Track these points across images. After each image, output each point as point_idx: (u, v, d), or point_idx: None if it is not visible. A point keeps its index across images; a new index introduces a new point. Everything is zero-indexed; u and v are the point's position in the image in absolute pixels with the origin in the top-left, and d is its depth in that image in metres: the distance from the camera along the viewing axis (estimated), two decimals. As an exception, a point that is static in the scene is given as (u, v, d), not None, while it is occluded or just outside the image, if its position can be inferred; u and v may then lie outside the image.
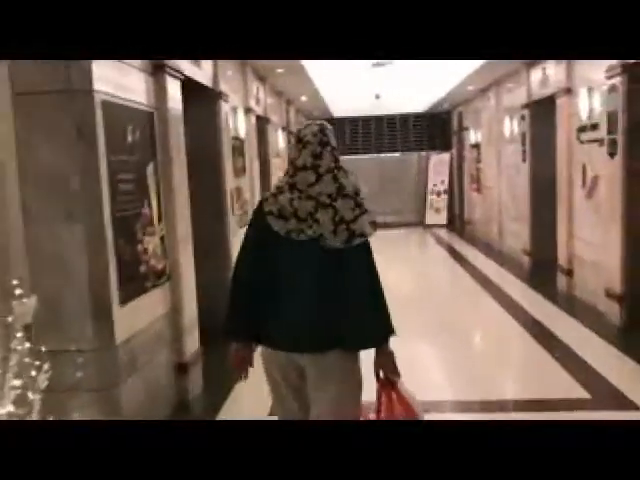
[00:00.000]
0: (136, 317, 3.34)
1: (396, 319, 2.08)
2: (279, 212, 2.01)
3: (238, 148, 6.20)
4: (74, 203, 2.96)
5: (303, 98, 10.81)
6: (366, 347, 2.04)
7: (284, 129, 9.97)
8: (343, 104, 12.98)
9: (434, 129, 15.07)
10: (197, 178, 4.86)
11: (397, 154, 15.36)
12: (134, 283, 3.34)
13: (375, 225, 2.05)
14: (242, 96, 6.55)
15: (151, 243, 3.60)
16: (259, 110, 7.75)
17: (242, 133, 6.35)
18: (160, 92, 3.80)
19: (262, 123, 7.96)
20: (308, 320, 1.99)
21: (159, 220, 3.75)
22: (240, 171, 6.25)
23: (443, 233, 13.66)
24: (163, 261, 3.77)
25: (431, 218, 14.91)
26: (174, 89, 4.00)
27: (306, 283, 2.01)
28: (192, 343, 4.16)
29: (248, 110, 6.76)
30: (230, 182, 5.59)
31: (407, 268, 10.06)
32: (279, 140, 9.35)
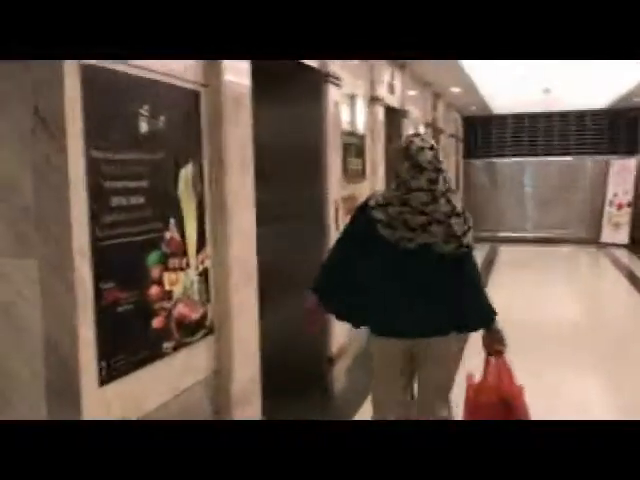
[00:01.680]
0: (139, 396, 2.22)
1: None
2: (388, 222, 2.27)
3: (355, 146, 4.93)
4: (25, 223, 1.90)
5: (455, 90, 9.25)
6: (481, 327, 2.43)
7: (428, 125, 8.50)
8: (505, 99, 11.25)
9: (617, 129, 12.57)
10: (283, 185, 3.70)
11: (569, 157, 13.07)
12: (137, 346, 2.21)
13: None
14: (366, 82, 5.25)
15: (179, 283, 2.45)
16: (393, 101, 6.41)
17: (361, 127, 5.06)
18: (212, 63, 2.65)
19: (396, 116, 6.62)
20: (427, 311, 2.31)
21: (199, 248, 2.60)
22: (356, 175, 4.98)
23: (623, 254, 11.22)
24: (201, 308, 2.62)
25: (608, 235, 12.43)
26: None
27: (416, 282, 2.31)
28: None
29: (374, 99, 5.46)
30: (336, 190, 4.33)
31: (574, 295, 8.09)
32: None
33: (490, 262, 10.65)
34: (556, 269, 10.14)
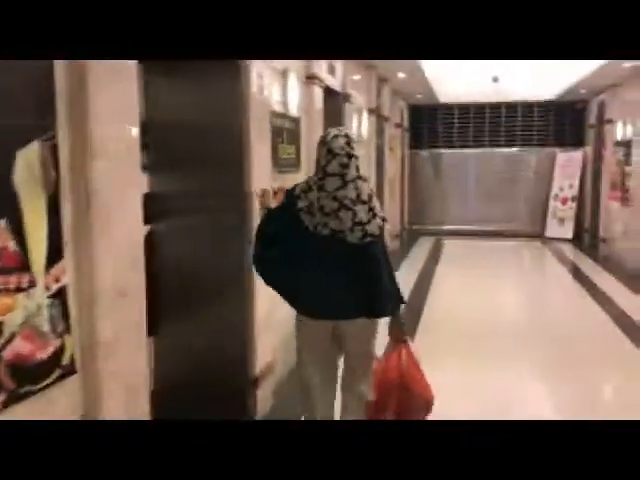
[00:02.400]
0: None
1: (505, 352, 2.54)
2: (308, 208, 2.48)
3: (288, 131, 4.26)
4: None
5: (401, 75, 8.69)
6: (385, 316, 2.66)
7: (372, 112, 7.91)
8: (452, 87, 10.81)
9: (564, 121, 12.38)
10: (198, 174, 3.03)
11: (515, 149, 12.79)
12: None
13: (382, 229, 2.56)
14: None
15: (17, 310, 1.74)
16: (333, 83, 5.77)
17: (295, 109, 4.39)
18: None
19: (337, 100, 5.99)
20: (338, 295, 2.53)
21: (52, 261, 1.88)
22: (289, 165, 4.32)
23: (567, 249, 11.02)
24: (54, 341, 1.90)
25: (553, 230, 12.24)
26: None
27: (331, 268, 2.51)
28: None
29: (311, 78, 4.80)
30: (264, 180, 3.66)
31: (518, 291, 7.77)
32: (362, 124, 7.29)
33: (434, 256, 10.28)
34: (501, 263, 9.89)
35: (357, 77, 7.11)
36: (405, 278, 7.41)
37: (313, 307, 2.58)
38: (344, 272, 2.50)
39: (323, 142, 2.54)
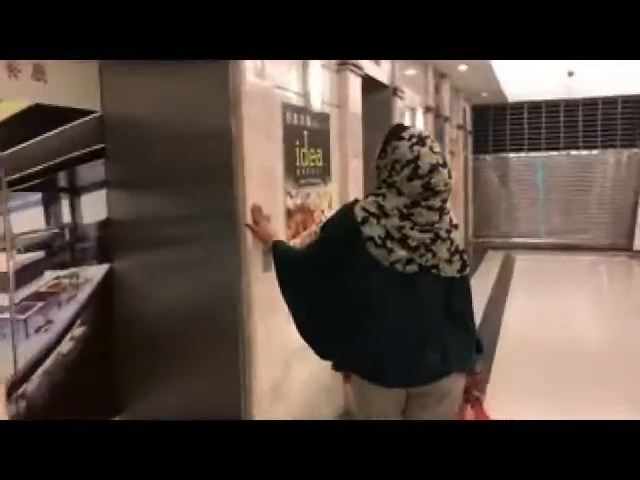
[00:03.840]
0: None
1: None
2: (382, 240, 1.85)
3: (311, 132, 3.26)
4: None
5: (462, 68, 7.54)
6: (468, 366, 2.04)
7: (429, 111, 6.79)
8: (522, 84, 9.59)
9: (652, 118, 10.83)
10: (168, 192, 2.09)
11: (595, 151, 11.31)
12: None
13: None
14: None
15: None
16: (379, 74, 4.73)
17: (320, 103, 3.37)
18: None
19: (382, 94, 4.96)
20: (429, 351, 1.91)
21: None
22: (314, 175, 3.31)
23: (661, 266, 9.52)
24: None
25: (642, 242, 10.70)
26: None
27: (418, 313, 1.92)
28: None
29: (344, 65, 3.77)
30: (267, 197, 2.66)
31: (605, 316, 6.55)
32: (416, 125, 6.19)
33: (505, 274, 9.06)
34: (583, 282, 8.55)
35: (410, 70, 6.04)
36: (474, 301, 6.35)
37: (392, 371, 1.92)
38: (434, 316, 1.93)
39: (414, 171, 1.84)
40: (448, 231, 1.91)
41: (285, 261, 2.19)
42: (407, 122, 5.87)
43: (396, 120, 5.27)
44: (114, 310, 2.66)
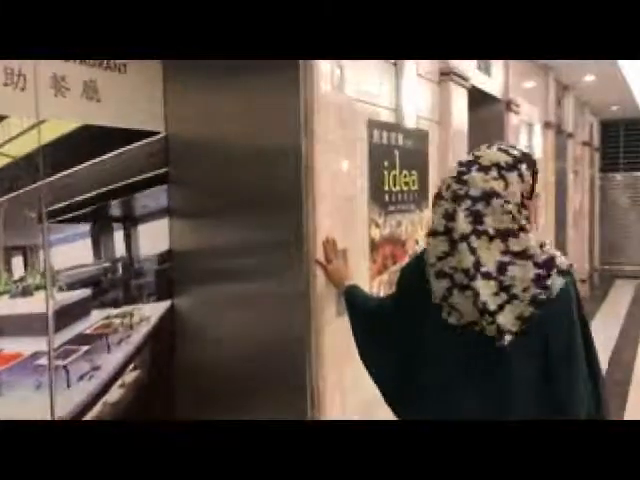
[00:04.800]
0: None
1: None
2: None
3: (404, 151, 2.84)
4: None
5: (588, 79, 6.75)
6: None
7: (549, 126, 6.09)
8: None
9: None
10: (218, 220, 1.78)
11: None
12: None
13: None
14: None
15: None
16: (487, 84, 4.22)
17: (414, 117, 2.95)
18: None
19: (493, 107, 4.44)
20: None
21: None
22: (407, 201, 2.88)
23: None
24: None
25: None
26: None
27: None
28: None
29: (446, 75, 3.33)
30: (345, 225, 2.28)
31: None
32: (534, 142, 5.54)
33: (638, 307, 8.03)
34: None
35: (527, 81, 5.43)
36: (602, 339, 5.68)
37: None
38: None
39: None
40: (468, 275, 1.57)
41: (359, 314, 1.84)
42: (523, 139, 5.26)
43: (509, 137, 4.70)
44: (175, 353, 2.39)
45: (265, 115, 2.12)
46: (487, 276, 1.37)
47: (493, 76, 4.36)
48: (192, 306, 2.38)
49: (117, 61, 2.14)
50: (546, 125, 6.05)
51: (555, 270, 1.35)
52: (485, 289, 1.37)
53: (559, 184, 6.79)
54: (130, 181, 2.22)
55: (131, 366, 2.21)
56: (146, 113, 2.26)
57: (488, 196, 1.39)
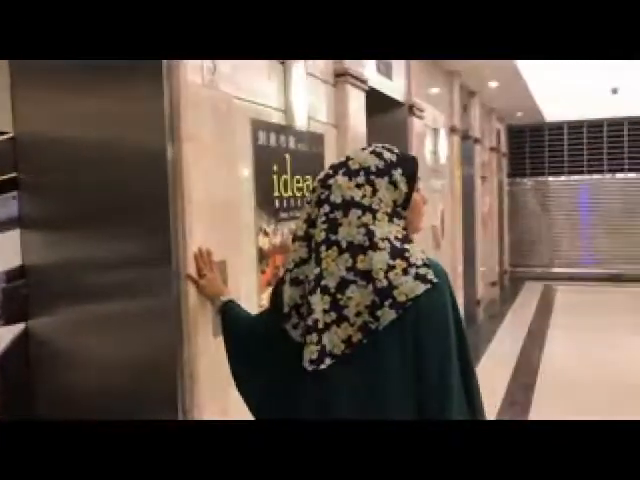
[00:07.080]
0: None
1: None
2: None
3: (298, 157, 2.68)
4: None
5: (492, 85, 6.89)
6: None
7: (454, 132, 6.14)
8: (561, 102, 8.89)
9: None
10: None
11: (642, 174, 10.47)
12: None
13: None
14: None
15: None
16: (389, 88, 4.14)
17: (304, 117, 2.79)
18: None
19: (397, 112, 4.38)
20: None
21: None
22: (293, 208, 2.71)
23: None
24: None
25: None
26: None
27: None
28: None
29: (341, 76, 3.20)
30: (223, 239, 2.07)
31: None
32: (439, 147, 5.55)
33: (545, 309, 8.31)
34: (629, 317, 7.72)
35: (432, 86, 5.44)
36: (509, 340, 6.24)
37: None
38: None
39: None
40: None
41: (230, 332, 1.65)
42: (428, 144, 5.25)
43: (414, 142, 4.65)
44: (30, 383, 2.09)
45: (124, 114, 1.88)
46: (325, 291, 1.26)
47: (394, 79, 4.29)
48: (50, 329, 2.09)
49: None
50: (452, 130, 6.10)
51: (390, 301, 1.22)
52: (319, 305, 1.26)
53: (467, 189, 6.88)
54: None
55: (-26, 402, 1.91)
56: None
57: (347, 205, 1.28)
